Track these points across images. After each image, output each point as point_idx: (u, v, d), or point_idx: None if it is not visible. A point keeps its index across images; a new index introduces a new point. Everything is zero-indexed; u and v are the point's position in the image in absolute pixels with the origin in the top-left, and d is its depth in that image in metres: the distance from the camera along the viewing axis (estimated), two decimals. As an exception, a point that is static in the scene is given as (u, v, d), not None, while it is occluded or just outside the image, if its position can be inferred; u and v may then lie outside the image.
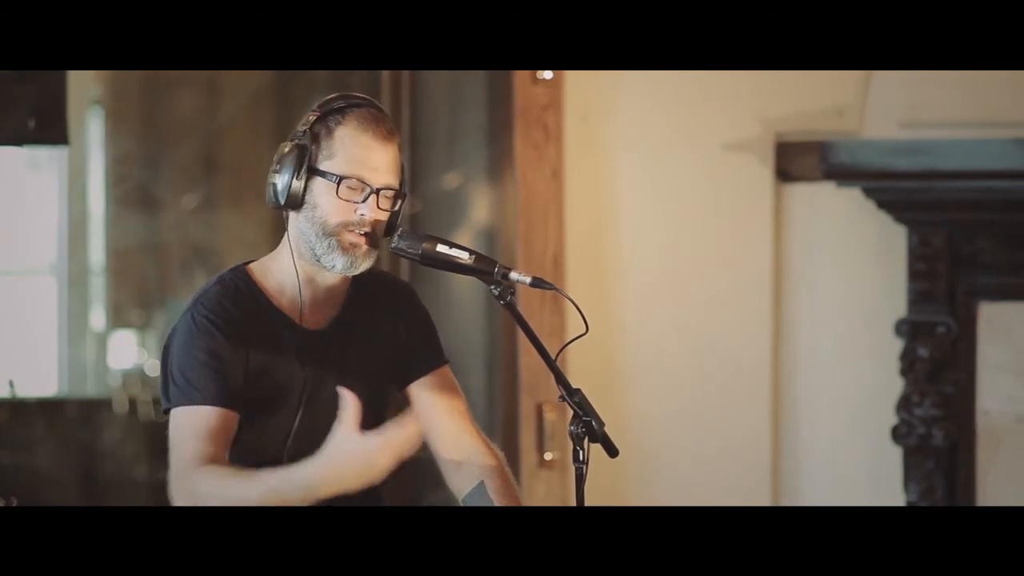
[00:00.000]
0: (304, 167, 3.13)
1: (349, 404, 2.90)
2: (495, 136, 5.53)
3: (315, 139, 3.14)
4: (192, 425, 3.07)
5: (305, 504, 2.94)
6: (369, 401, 3.22)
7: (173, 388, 3.11)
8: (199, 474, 3.02)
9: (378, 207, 3.14)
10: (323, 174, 3.13)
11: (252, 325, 3.15)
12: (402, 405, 3.34)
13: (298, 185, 3.13)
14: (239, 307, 3.15)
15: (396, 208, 3.18)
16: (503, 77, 5.38)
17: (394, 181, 3.17)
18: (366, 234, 3.13)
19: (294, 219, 3.17)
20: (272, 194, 3.15)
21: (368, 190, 3.13)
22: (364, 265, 3.16)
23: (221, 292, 3.17)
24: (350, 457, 2.89)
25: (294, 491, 2.93)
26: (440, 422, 3.30)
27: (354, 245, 3.13)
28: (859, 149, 5.27)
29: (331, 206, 3.13)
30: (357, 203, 3.13)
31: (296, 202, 3.14)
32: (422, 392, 3.30)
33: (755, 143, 5.34)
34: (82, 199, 6.36)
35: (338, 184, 3.12)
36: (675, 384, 5.35)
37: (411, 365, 3.30)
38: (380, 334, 3.26)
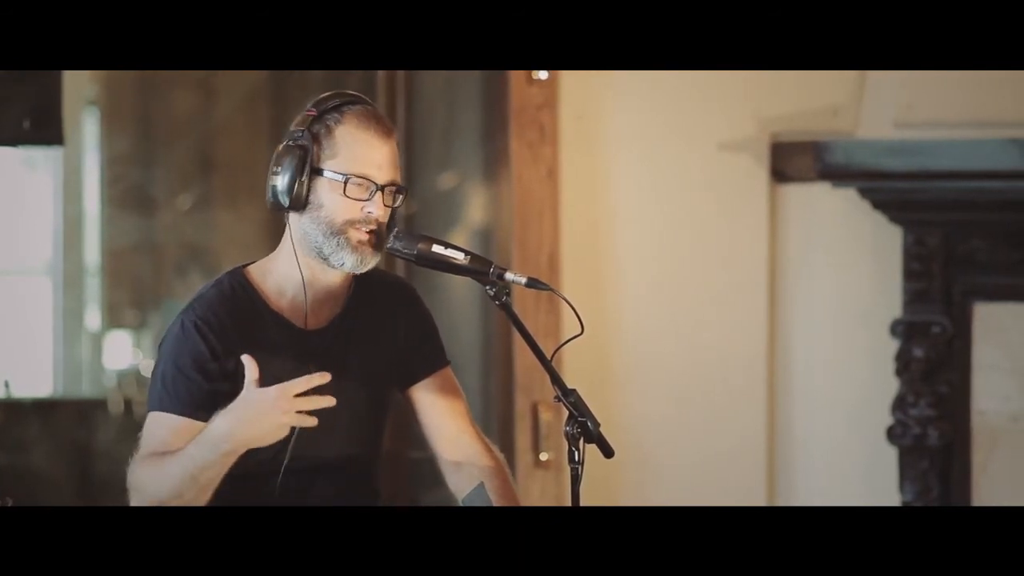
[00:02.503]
0: (307, 168, 3.13)
1: (250, 366, 2.96)
2: (490, 136, 5.52)
3: (315, 139, 3.14)
4: (158, 431, 3.12)
5: (223, 469, 2.99)
6: (370, 401, 3.23)
7: (153, 391, 3.15)
8: (138, 467, 3.11)
9: (383, 204, 3.14)
10: (328, 173, 3.13)
11: (247, 330, 3.15)
12: (403, 405, 3.34)
13: (301, 186, 3.13)
14: (234, 313, 3.15)
15: (397, 204, 3.18)
16: (498, 77, 5.38)
17: (397, 177, 3.17)
18: (372, 232, 3.13)
19: (296, 220, 3.17)
20: (273, 196, 3.15)
21: (374, 187, 3.13)
22: (372, 263, 3.16)
23: (216, 298, 3.17)
24: (250, 408, 2.95)
25: (206, 452, 2.99)
26: (441, 423, 3.30)
27: (362, 243, 3.13)
28: (854, 149, 5.27)
29: (338, 205, 3.12)
30: (364, 201, 3.13)
31: (300, 203, 3.14)
32: (423, 393, 3.30)
33: (751, 143, 5.34)
34: (77, 199, 6.35)
35: (345, 183, 3.12)
36: (671, 384, 5.35)
37: (412, 366, 3.30)
38: (381, 334, 3.26)
